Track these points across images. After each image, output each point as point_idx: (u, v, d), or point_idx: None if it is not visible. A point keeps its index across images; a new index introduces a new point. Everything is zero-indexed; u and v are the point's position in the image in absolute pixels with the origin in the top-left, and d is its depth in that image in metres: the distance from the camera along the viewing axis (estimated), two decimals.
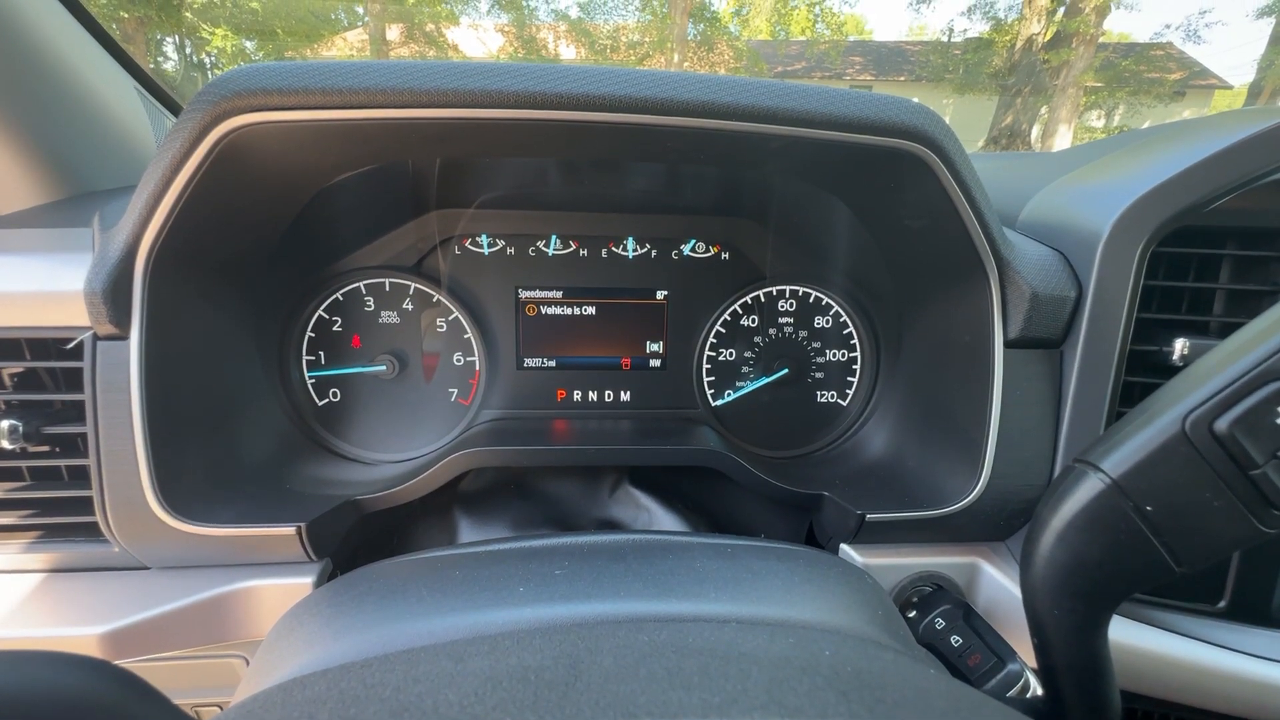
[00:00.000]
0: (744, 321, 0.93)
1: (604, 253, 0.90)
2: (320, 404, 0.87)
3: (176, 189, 0.56)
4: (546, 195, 0.85)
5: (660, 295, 0.91)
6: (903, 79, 23.24)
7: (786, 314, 0.93)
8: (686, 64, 19.99)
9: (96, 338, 0.61)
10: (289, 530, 0.64)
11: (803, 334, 0.93)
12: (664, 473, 0.89)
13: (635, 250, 0.90)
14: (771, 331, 0.93)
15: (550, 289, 0.90)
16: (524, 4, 21.00)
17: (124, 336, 0.60)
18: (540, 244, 0.88)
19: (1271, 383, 0.33)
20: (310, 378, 0.86)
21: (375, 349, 0.87)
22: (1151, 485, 0.36)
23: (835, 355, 0.94)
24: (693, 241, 0.90)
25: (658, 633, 0.33)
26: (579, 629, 0.35)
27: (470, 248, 0.88)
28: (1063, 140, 16.83)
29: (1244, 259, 0.69)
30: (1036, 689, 0.60)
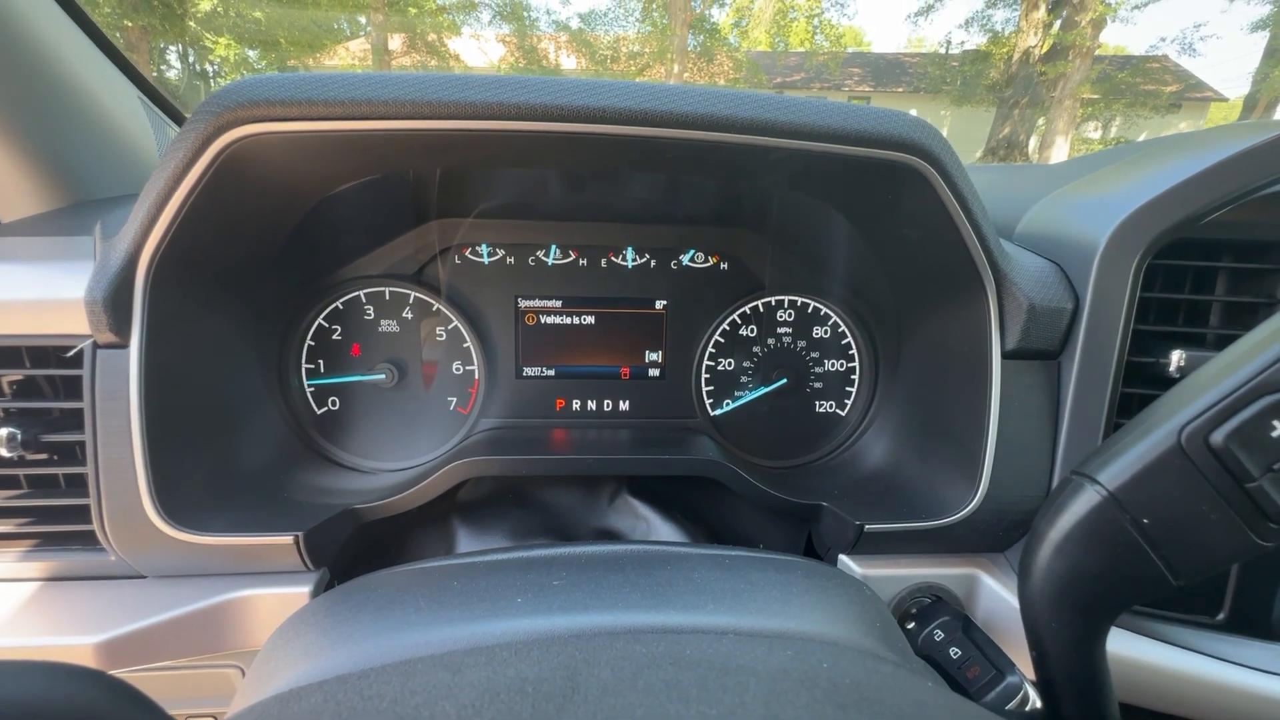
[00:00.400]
0: (743, 331, 0.93)
1: (603, 262, 0.90)
2: (319, 412, 0.86)
3: (179, 198, 0.56)
4: (546, 205, 0.85)
5: (659, 305, 0.91)
6: (901, 90, 23.38)
7: (785, 324, 0.93)
8: (686, 75, 20.11)
9: (96, 346, 0.61)
10: (286, 539, 0.64)
11: (801, 344, 0.94)
12: (663, 483, 0.88)
13: (634, 260, 0.90)
14: (770, 341, 0.93)
15: (550, 298, 0.90)
16: (525, 15, 21.17)
17: (124, 345, 0.60)
18: (540, 253, 0.89)
19: (1267, 395, 0.33)
20: (309, 386, 0.86)
21: (374, 357, 0.87)
22: (1148, 498, 0.36)
23: (834, 365, 0.94)
24: (692, 251, 0.91)
25: (655, 644, 0.33)
26: (576, 640, 0.34)
27: (470, 257, 0.88)
28: (1060, 151, 16.94)
29: (1239, 271, 0.69)
30: (1035, 701, 0.59)
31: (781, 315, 0.93)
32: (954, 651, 0.65)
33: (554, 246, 0.88)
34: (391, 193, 0.76)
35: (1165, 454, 0.35)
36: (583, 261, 0.90)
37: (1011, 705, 0.61)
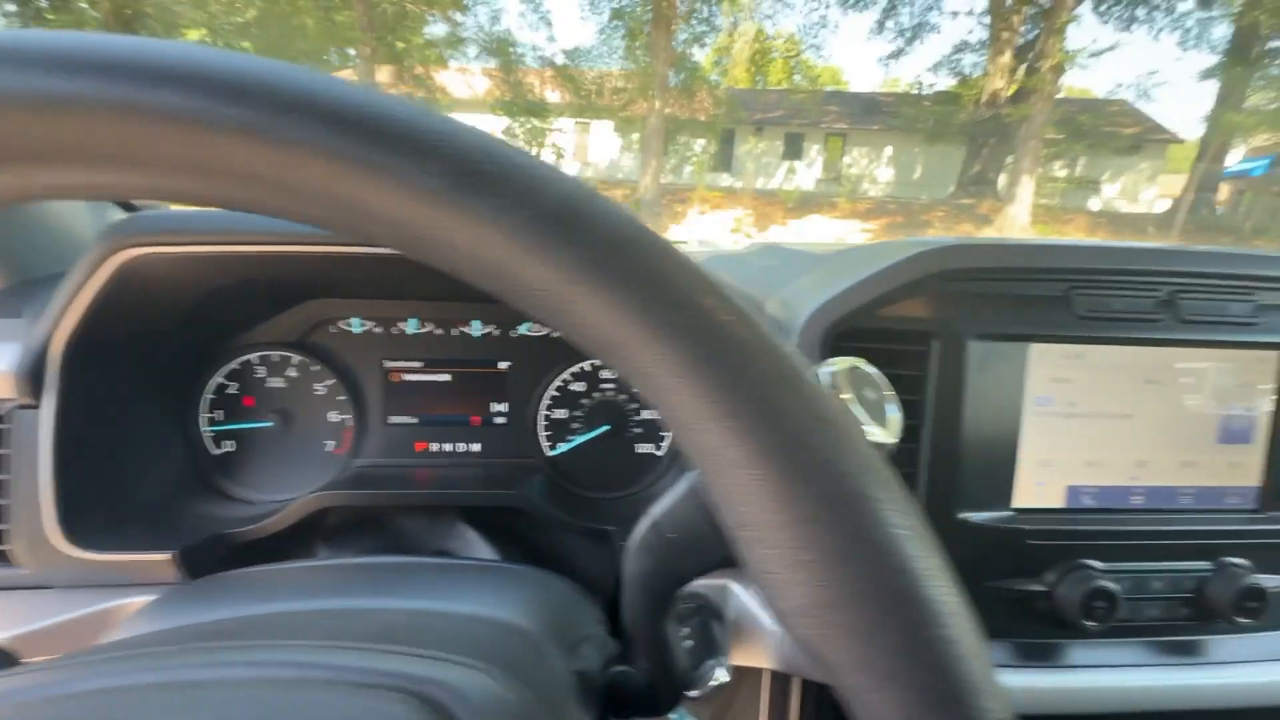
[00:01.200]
0: (573, 387, 1.13)
1: (455, 331, 1.10)
2: (215, 453, 1.05)
3: (82, 301, 0.77)
4: (406, 288, 1.05)
5: (502, 365, 1.12)
6: (877, 128, 24.09)
7: (609, 380, 1.14)
8: (668, 110, 20.57)
9: (19, 408, 0.80)
10: (166, 555, 0.83)
11: (623, 396, 1.14)
12: (492, 512, 1.07)
13: (481, 329, 1.11)
14: (596, 394, 1.13)
15: (411, 360, 1.10)
16: (511, 50, 21.66)
17: (37, 406, 0.80)
18: (401, 324, 1.09)
19: None
20: (209, 432, 1.05)
21: (264, 408, 1.06)
22: (671, 522, 0.56)
23: (650, 413, 1.14)
24: (529, 324, 1.11)
25: (352, 615, 0.54)
26: (321, 613, 0.55)
27: (343, 327, 1.08)
28: (1025, 189, 17.47)
29: (901, 353, 0.90)
30: (725, 678, 0.78)
31: (605, 373, 1.13)
32: (688, 643, 0.85)
33: (413, 319, 1.09)
34: (274, 283, 0.97)
35: (684, 495, 0.56)
36: (438, 331, 1.10)
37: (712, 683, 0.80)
